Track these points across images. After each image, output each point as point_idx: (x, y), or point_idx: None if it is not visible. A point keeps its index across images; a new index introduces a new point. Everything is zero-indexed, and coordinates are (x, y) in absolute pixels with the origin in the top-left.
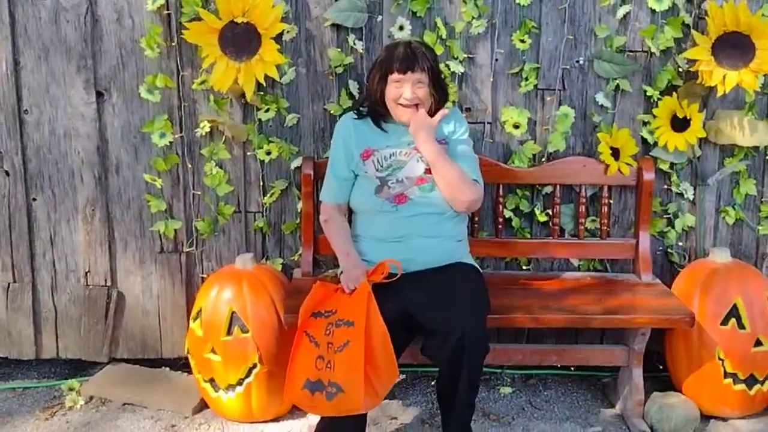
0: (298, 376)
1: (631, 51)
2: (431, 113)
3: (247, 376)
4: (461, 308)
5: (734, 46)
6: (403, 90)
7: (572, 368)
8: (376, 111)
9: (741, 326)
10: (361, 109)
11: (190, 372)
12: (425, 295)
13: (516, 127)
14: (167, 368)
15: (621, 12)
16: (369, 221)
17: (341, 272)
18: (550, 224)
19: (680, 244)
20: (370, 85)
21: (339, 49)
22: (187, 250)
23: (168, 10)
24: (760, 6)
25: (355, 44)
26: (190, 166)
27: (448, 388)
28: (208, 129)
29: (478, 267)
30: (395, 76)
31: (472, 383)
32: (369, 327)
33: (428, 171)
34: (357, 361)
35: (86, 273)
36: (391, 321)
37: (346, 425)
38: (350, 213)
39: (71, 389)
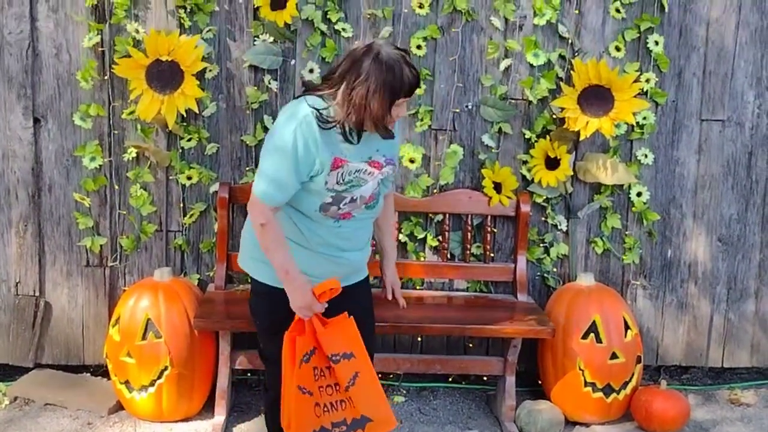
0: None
1: (512, 98)
2: None
3: (159, 377)
4: (371, 333)
5: (597, 97)
6: (401, 110)
7: (463, 382)
8: (365, 127)
9: (599, 340)
10: (323, 117)
11: (109, 378)
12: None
13: (412, 161)
14: (88, 374)
15: (503, 65)
16: (300, 225)
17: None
18: (441, 249)
19: (555, 270)
20: (370, 103)
21: (256, 88)
22: (111, 264)
23: (102, 47)
24: (622, 64)
25: (270, 84)
26: (117, 187)
27: None
28: (134, 154)
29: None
30: (402, 99)
31: None
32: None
33: (376, 188)
34: (376, 388)
35: (17, 283)
36: None
37: None
38: None
39: None
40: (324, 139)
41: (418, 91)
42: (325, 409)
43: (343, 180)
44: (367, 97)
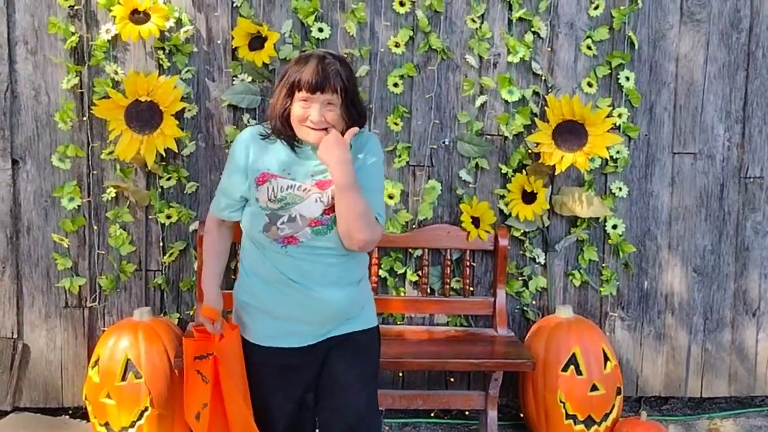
0: (193, 407)
1: (488, 134)
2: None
3: (139, 418)
4: (358, 399)
5: (571, 132)
6: (310, 111)
7: (446, 417)
8: (281, 130)
9: (579, 372)
10: (264, 127)
11: (88, 420)
12: (327, 388)
13: (390, 197)
14: (67, 416)
15: (479, 101)
16: (258, 254)
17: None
18: (421, 284)
19: (534, 303)
20: (274, 99)
21: (235, 126)
22: (90, 305)
23: (81, 88)
24: (595, 100)
25: (249, 122)
26: (95, 227)
27: None
28: (113, 194)
29: (377, 322)
30: (302, 94)
31: None
32: (221, 397)
33: (327, 212)
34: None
35: None
36: (291, 409)
37: None
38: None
39: None
40: (259, 152)
41: (394, 128)
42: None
43: (275, 197)
44: (277, 94)
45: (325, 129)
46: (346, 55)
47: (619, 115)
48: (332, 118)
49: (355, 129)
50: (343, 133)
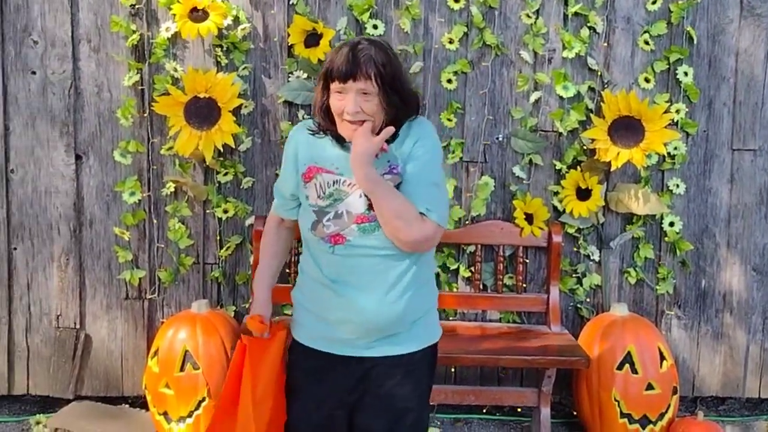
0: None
1: (542, 130)
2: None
3: (197, 408)
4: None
5: (627, 128)
6: (345, 102)
7: (498, 413)
8: (323, 125)
9: (634, 371)
10: (314, 122)
11: (147, 409)
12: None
13: None
14: (127, 405)
15: (533, 97)
16: (307, 253)
17: None
18: (473, 280)
19: (588, 300)
20: (315, 95)
21: (290, 122)
22: (150, 297)
23: (142, 86)
24: (652, 95)
25: (303, 118)
26: (155, 221)
27: None
28: (172, 189)
29: (432, 341)
30: (336, 85)
31: None
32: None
33: (372, 208)
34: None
35: (58, 316)
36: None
37: None
38: None
39: (38, 423)
40: (308, 146)
41: (447, 124)
42: None
43: (324, 193)
44: (316, 88)
45: (363, 122)
46: (399, 52)
47: (677, 111)
48: (370, 109)
49: (391, 129)
50: (386, 125)
